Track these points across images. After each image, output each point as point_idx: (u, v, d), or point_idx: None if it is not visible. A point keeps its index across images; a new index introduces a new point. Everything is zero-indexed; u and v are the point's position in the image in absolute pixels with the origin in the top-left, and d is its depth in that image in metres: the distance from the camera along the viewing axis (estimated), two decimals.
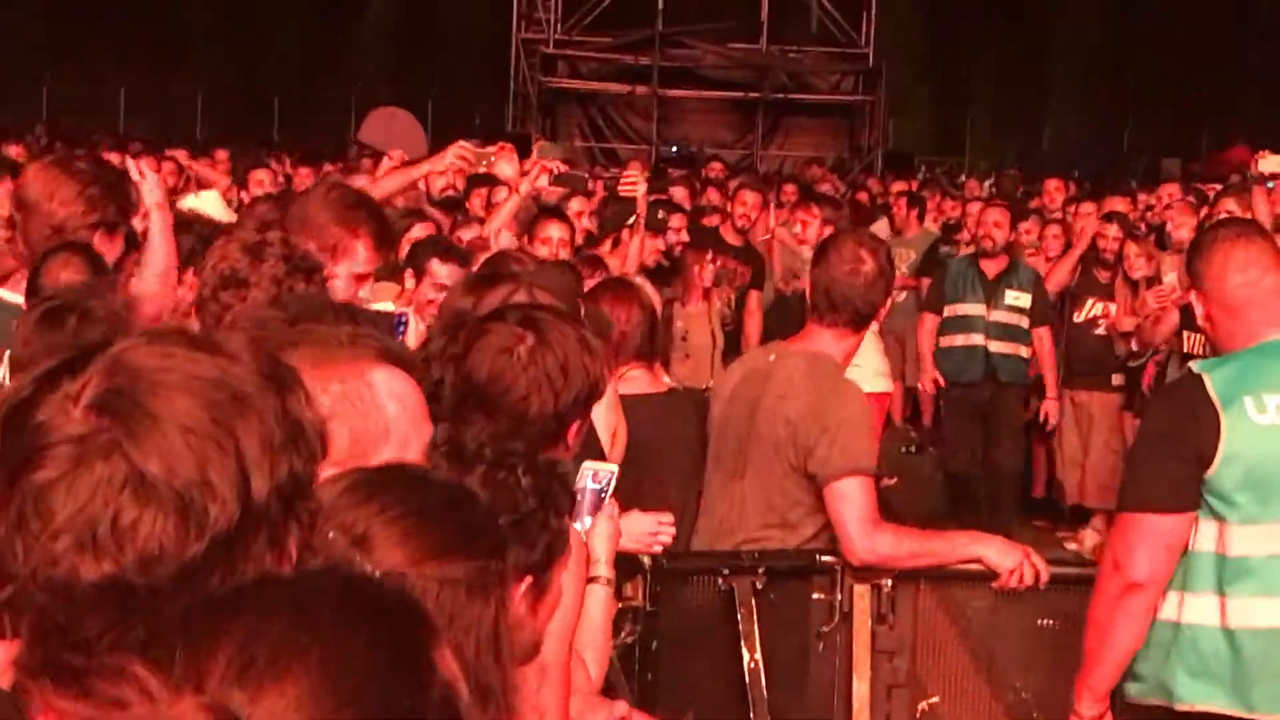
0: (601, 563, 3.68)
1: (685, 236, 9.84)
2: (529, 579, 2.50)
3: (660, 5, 34.50)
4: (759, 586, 5.16)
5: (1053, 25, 54.21)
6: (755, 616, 5.15)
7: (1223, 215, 10.65)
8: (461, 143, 7.52)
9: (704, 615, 5.21)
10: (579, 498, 3.61)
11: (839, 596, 5.20)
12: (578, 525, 3.55)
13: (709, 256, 9.72)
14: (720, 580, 5.15)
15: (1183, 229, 10.53)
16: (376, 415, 2.36)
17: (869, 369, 9.55)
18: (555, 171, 8.20)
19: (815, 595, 5.26)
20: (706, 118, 35.34)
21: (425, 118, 42.16)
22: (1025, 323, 10.98)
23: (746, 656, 5.13)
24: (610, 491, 3.78)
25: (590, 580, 3.63)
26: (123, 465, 1.44)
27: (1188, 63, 52.48)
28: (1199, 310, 4.52)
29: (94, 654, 1.43)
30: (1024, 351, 11.07)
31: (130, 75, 45.10)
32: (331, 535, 2.01)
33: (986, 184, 22.04)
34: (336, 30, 52.72)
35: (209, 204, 7.78)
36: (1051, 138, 47.42)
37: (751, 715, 5.09)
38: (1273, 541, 4.22)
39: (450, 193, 8.04)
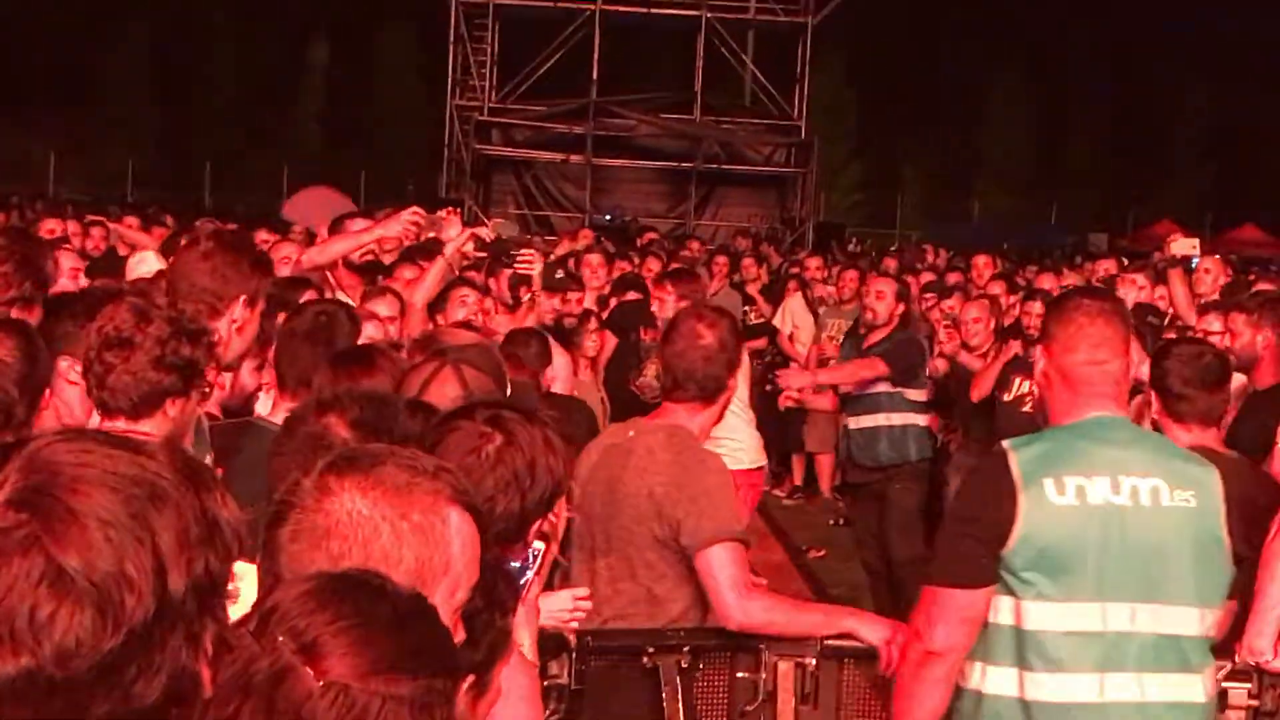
0: (525, 646, 3.66)
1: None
2: (471, 678, 2.48)
3: (595, 75, 34.76)
4: (684, 665, 5.15)
5: (983, 101, 54.97)
6: (680, 695, 5.13)
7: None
8: (415, 208, 7.62)
9: (629, 693, 5.18)
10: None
11: (763, 675, 5.18)
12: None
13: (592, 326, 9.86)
14: (645, 659, 5.13)
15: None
16: (442, 551, 2.38)
17: (742, 444, 9.53)
18: (487, 239, 8.27)
19: (740, 674, 5.25)
20: (640, 187, 35.54)
21: (358, 184, 42.30)
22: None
23: None
24: (535, 569, 3.76)
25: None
26: (40, 560, 1.44)
27: (1115, 139, 53.29)
28: (1038, 365, 4.58)
29: (153, 693, 1.48)
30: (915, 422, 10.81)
31: (60, 139, 44.95)
32: (280, 639, 1.99)
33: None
34: (270, 96, 52.85)
35: (149, 264, 7.79)
36: (981, 212, 47.92)
37: None
38: (1065, 619, 4.31)
39: (369, 258, 8.03)
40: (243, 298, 4.60)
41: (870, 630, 5.06)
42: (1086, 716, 4.34)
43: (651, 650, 5.12)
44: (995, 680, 4.40)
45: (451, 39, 36.30)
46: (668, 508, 5.03)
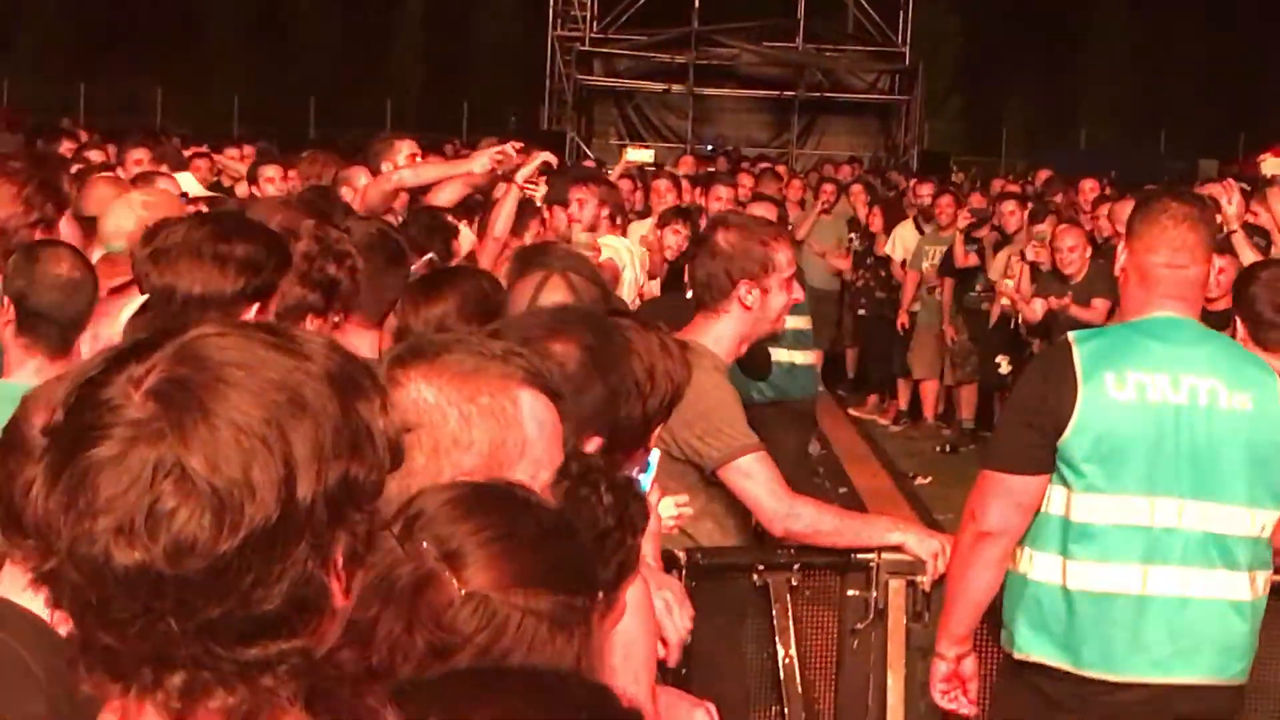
0: (648, 553, 3.69)
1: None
2: (599, 595, 2.49)
3: (696, 4, 34.50)
4: (794, 583, 5.16)
5: (1089, 27, 54.12)
6: (790, 612, 5.15)
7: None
8: (502, 145, 7.69)
9: (739, 611, 5.20)
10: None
11: (874, 593, 5.19)
12: None
13: None
14: (755, 576, 5.14)
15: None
16: (516, 433, 2.37)
17: None
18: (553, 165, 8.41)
19: (850, 592, 5.25)
20: (742, 116, 35.35)
21: (460, 117, 42.41)
22: None
23: (781, 652, 5.13)
24: (651, 479, 3.78)
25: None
26: (168, 455, 1.44)
27: (1223, 64, 52.30)
28: (1120, 259, 4.62)
29: (126, 638, 1.46)
30: None
31: (167, 76, 45.33)
32: (424, 545, 1.99)
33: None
34: (372, 31, 52.94)
35: (187, 185, 7.85)
36: (1087, 140, 47.25)
37: (785, 711, 5.09)
38: (1114, 513, 4.39)
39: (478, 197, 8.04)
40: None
41: (919, 544, 5.08)
42: (1126, 607, 4.41)
43: (762, 568, 5.13)
44: (1041, 567, 4.51)
45: None
46: (677, 433, 4.88)
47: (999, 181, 21.63)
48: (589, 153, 30.27)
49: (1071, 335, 4.60)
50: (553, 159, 8.20)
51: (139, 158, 9.70)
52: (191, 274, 3.71)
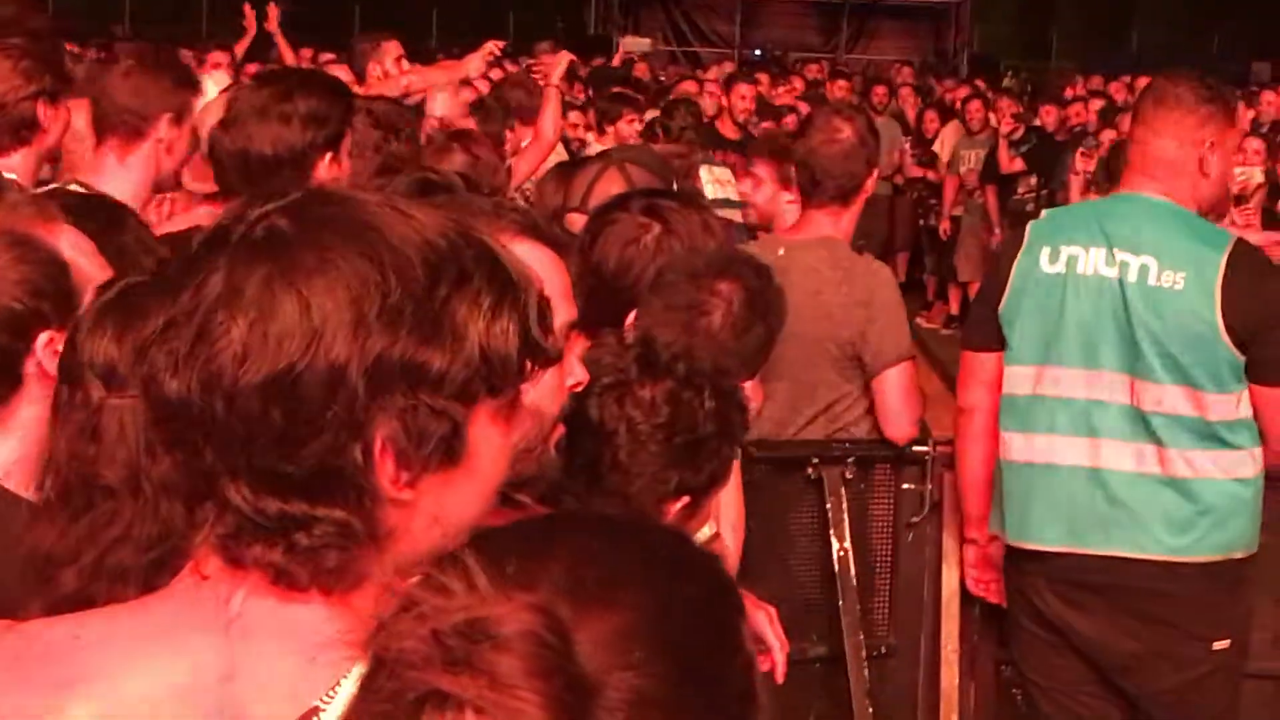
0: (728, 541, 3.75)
1: None
2: (687, 499, 2.51)
3: None
4: (848, 476, 5.17)
5: None
6: (845, 505, 5.16)
7: None
8: (493, 43, 8.16)
9: (794, 503, 5.22)
10: None
11: (929, 487, 5.21)
12: None
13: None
14: (810, 469, 5.15)
15: None
16: None
17: None
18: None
19: (905, 485, 5.28)
20: (790, 21, 34.96)
21: (506, 20, 42.11)
22: None
23: (836, 545, 5.15)
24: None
25: None
26: (225, 290, 1.45)
27: None
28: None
29: (180, 468, 1.49)
30: None
31: None
32: None
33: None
34: None
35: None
36: (1139, 41, 46.69)
37: (840, 602, 5.11)
38: (1036, 382, 4.44)
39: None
40: (167, 115, 4.55)
41: None
42: (1048, 477, 4.46)
43: (816, 461, 5.15)
44: (1001, 442, 4.61)
45: None
46: (847, 327, 4.96)
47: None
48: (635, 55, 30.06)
49: (1045, 212, 4.70)
50: (573, 58, 8.27)
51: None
52: (261, 134, 3.79)
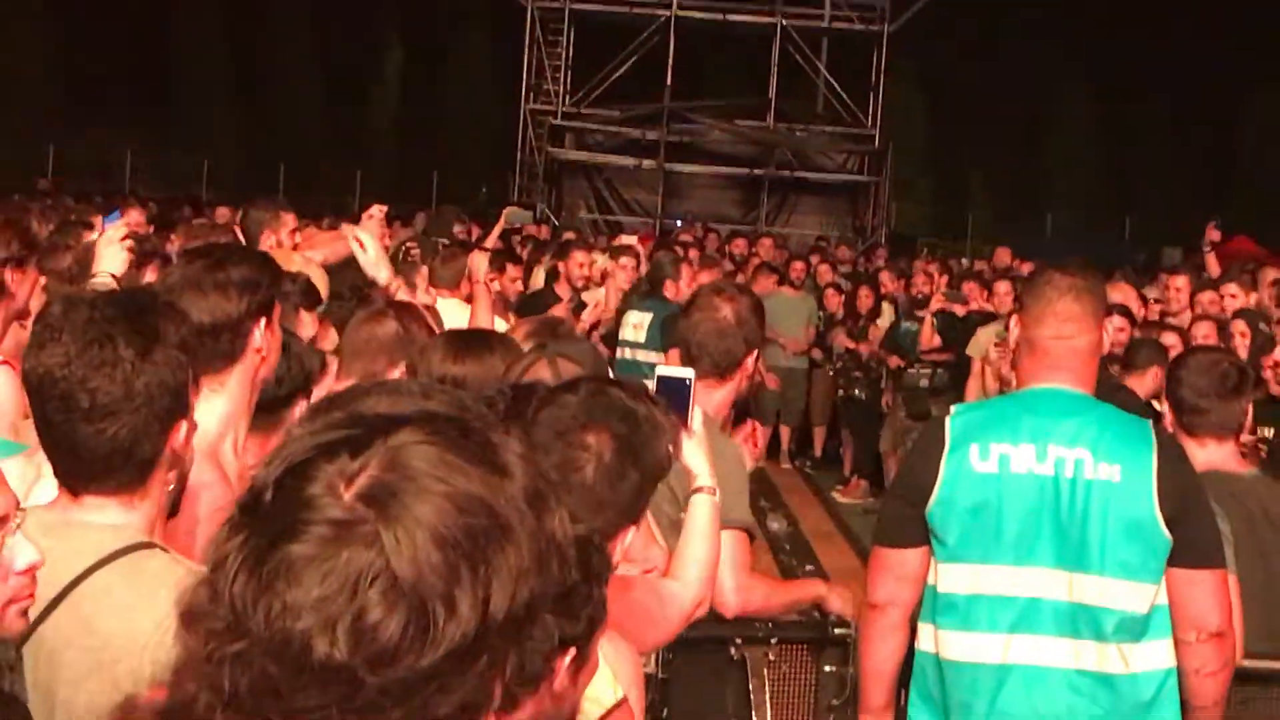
0: (704, 474, 3.83)
1: None
2: (573, 651, 2.49)
3: (669, 80, 34.74)
4: (771, 658, 5.15)
5: (1055, 113, 54.60)
6: (767, 687, 5.13)
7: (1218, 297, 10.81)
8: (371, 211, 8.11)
9: (717, 684, 5.18)
10: None
11: (850, 669, 5.18)
12: None
13: None
14: (733, 650, 5.13)
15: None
16: None
17: None
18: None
19: (827, 668, 5.25)
20: (712, 193, 35.49)
21: (429, 186, 42.46)
22: None
23: None
24: (692, 397, 3.87)
25: (695, 491, 3.82)
26: (377, 561, 1.46)
27: (1189, 153, 52.81)
28: (1013, 331, 4.69)
29: None
30: None
31: (137, 139, 45.25)
32: None
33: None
34: (344, 97, 53.07)
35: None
36: (1053, 225, 47.58)
37: None
38: (974, 581, 4.43)
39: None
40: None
41: (837, 600, 5.27)
42: (988, 676, 4.42)
43: (739, 641, 5.12)
44: (922, 636, 4.58)
45: (526, 43, 36.39)
46: (682, 492, 4.95)
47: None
48: (556, 223, 30.37)
49: (954, 408, 4.66)
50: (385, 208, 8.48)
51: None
52: (200, 305, 3.83)
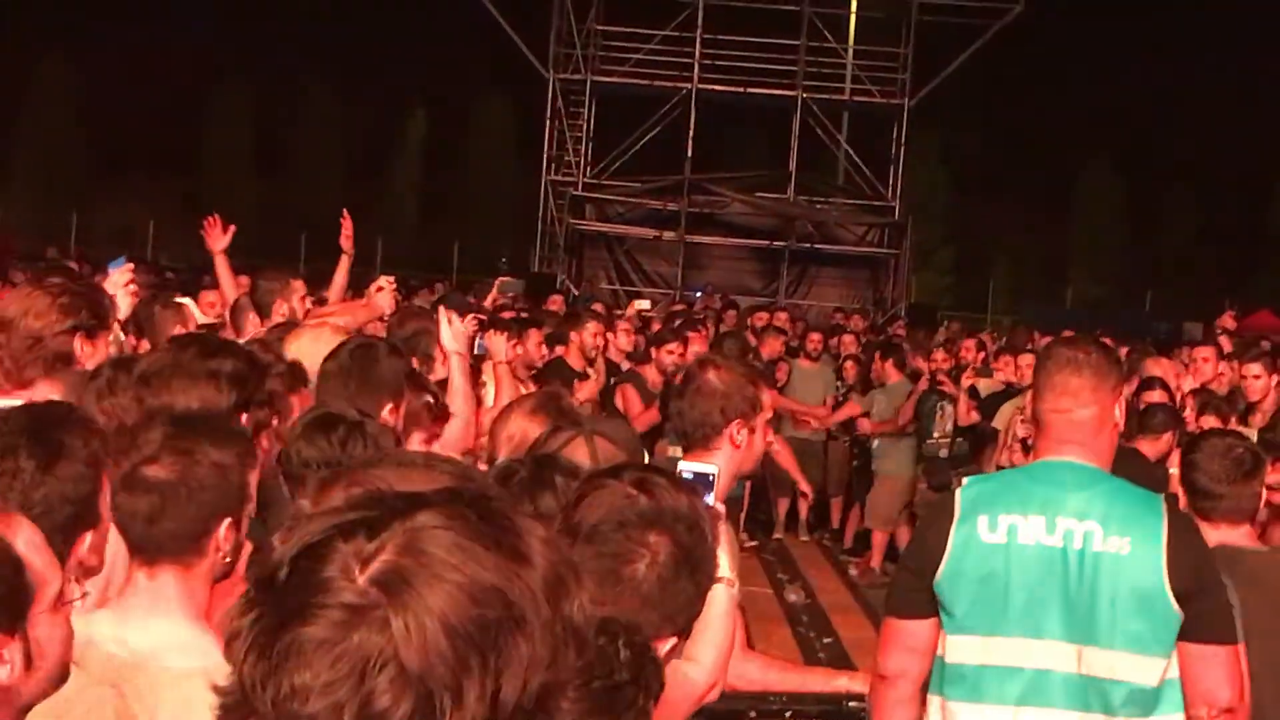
0: (725, 565, 3.73)
1: None
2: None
3: (689, 152, 34.90)
4: None
5: (1078, 187, 54.74)
6: None
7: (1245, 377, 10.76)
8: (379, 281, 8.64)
9: None
10: None
11: None
12: None
13: None
14: None
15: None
16: None
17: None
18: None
19: None
20: (732, 265, 35.54)
21: (450, 256, 42.62)
22: None
23: None
24: (715, 493, 3.91)
25: (715, 581, 3.71)
26: (387, 648, 1.44)
27: (1212, 229, 52.85)
28: (1028, 410, 4.79)
29: None
30: None
31: (159, 208, 45.52)
32: None
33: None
34: (368, 168, 53.38)
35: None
36: (1074, 298, 47.62)
37: None
38: (983, 654, 4.41)
39: None
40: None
41: (857, 681, 5.12)
42: None
43: (754, 715, 5.07)
44: (930, 708, 4.55)
45: (548, 115, 36.58)
46: None
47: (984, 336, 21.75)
48: (576, 294, 30.42)
49: (965, 480, 4.65)
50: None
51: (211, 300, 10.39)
52: (187, 392, 3.84)
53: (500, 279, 17.45)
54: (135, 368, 4.32)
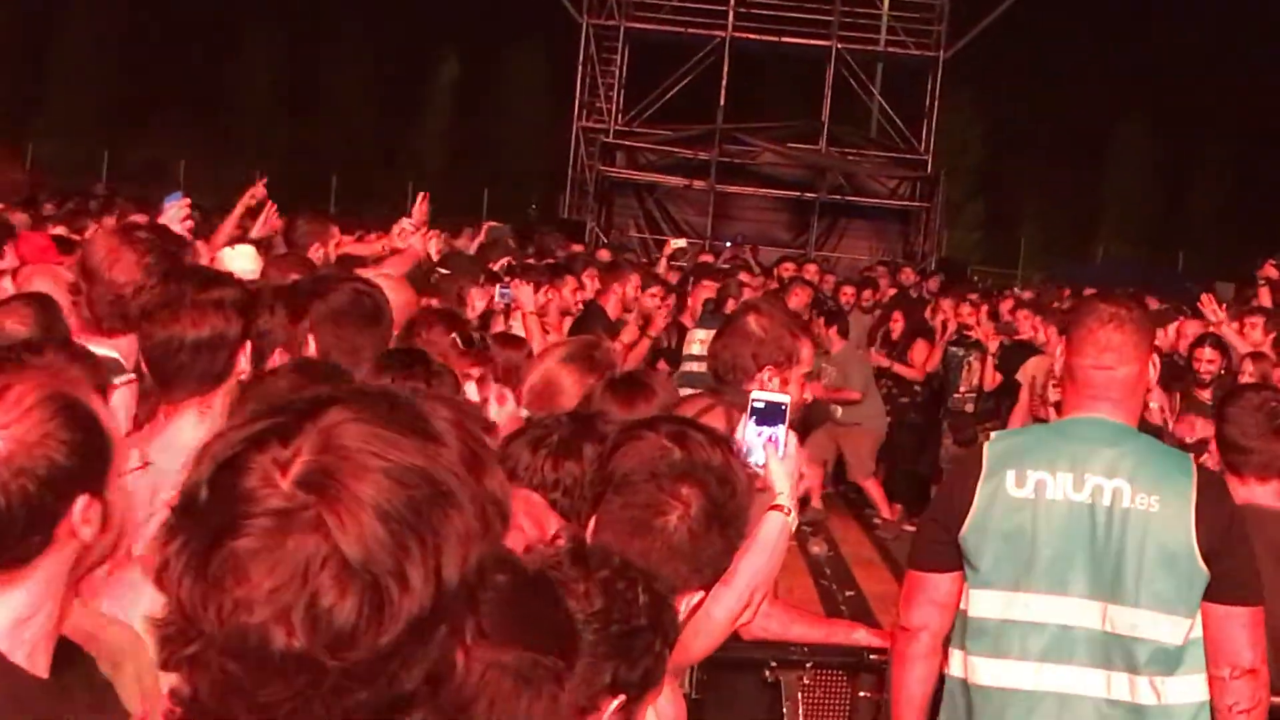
0: (785, 494, 3.79)
1: None
2: (621, 698, 2.45)
3: (722, 101, 34.76)
4: (806, 681, 5.10)
5: (1111, 143, 54.41)
6: (801, 711, 5.08)
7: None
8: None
9: (749, 707, 5.14)
10: (746, 430, 3.83)
11: (885, 696, 5.12)
12: (753, 460, 3.68)
13: None
14: (767, 673, 5.08)
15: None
16: None
17: None
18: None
19: (861, 693, 5.20)
20: (763, 215, 35.46)
21: (480, 201, 42.59)
22: None
23: None
24: (786, 424, 3.87)
25: (773, 508, 3.75)
26: (324, 545, 1.45)
27: (1247, 187, 52.49)
28: (1058, 363, 4.65)
29: (275, 717, 1.47)
30: None
31: (190, 148, 45.53)
32: None
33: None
34: (397, 110, 53.32)
35: (243, 259, 7.86)
36: (1104, 256, 47.39)
37: None
38: (1007, 607, 4.39)
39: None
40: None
41: (867, 639, 5.20)
42: (1019, 703, 4.39)
43: (774, 664, 5.07)
44: (952, 662, 4.54)
45: (581, 61, 36.48)
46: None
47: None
48: (606, 240, 30.36)
49: (993, 434, 4.64)
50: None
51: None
52: (198, 324, 3.91)
53: (489, 224, 17.59)
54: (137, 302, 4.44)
